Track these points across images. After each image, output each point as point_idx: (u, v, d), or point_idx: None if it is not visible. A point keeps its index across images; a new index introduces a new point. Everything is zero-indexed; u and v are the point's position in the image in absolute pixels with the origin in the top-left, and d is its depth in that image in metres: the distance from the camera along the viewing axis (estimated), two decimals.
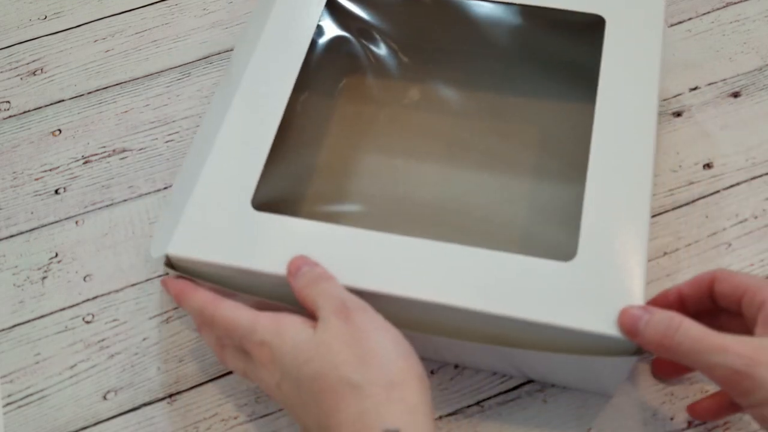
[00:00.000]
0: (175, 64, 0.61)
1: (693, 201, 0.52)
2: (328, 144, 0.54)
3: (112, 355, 0.48)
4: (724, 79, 0.57)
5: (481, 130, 0.54)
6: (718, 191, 0.52)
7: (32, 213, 0.54)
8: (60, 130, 0.58)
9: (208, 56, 0.61)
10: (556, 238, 0.46)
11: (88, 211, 0.54)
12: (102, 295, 0.51)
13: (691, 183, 0.52)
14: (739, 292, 0.39)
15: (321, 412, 0.36)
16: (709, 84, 0.57)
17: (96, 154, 0.57)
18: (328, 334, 0.37)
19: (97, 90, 0.60)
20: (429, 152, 0.53)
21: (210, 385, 0.47)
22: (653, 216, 0.51)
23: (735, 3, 0.61)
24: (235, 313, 0.40)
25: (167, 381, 0.47)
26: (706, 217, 0.51)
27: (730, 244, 0.50)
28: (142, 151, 0.57)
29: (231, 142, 0.46)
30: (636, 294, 0.39)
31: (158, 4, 0.65)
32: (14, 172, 0.56)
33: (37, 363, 0.49)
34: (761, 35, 0.59)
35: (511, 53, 0.56)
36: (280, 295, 0.42)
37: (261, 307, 0.41)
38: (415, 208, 0.51)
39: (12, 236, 0.54)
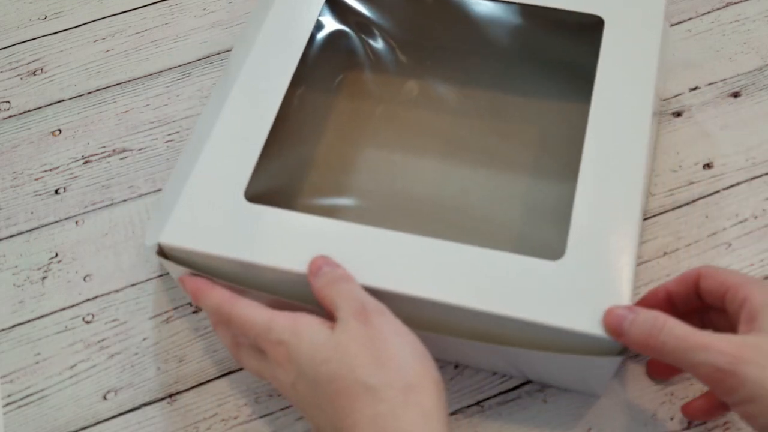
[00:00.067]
0: (175, 64, 0.61)
1: (693, 201, 0.52)
2: (325, 139, 0.54)
3: (112, 355, 0.48)
4: (724, 79, 0.57)
5: (480, 128, 0.54)
6: (718, 191, 0.52)
7: (32, 213, 0.54)
8: (60, 130, 0.58)
9: (208, 56, 0.61)
10: (551, 237, 0.46)
11: (88, 211, 0.54)
12: (102, 295, 0.51)
13: (691, 183, 0.52)
14: (722, 289, 0.39)
15: (336, 413, 0.36)
16: (709, 84, 0.57)
17: (96, 154, 0.57)
18: (346, 336, 0.37)
19: (97, 90, 0.60)
20: (426, 149, 0.53)
21: (210, 385, 0.47)
22: (653, 216, 0.51)
23: (735, 3, 0.61)
24: (252, 311, 0.40)
25: (167, 381, 0.47)
26: (706, 217, 0.51)
27: (730, 244, 0.50)
28: (142, 151, 0.57)
29: (226, 135, 0.46)
30: (624, 294, 0.39)
31: (158, 4, 0.65)
32: (14, 172, 0.56)
33: (37, 363, 0.49)
34: (761, 35, 0.59)
35: (510, 53, 0.56)
36: (271, 287, 0.42)
37: (277, 306, 0.41)
38: (411, 204, 0.51)
39: (12, 236, 0.54)
